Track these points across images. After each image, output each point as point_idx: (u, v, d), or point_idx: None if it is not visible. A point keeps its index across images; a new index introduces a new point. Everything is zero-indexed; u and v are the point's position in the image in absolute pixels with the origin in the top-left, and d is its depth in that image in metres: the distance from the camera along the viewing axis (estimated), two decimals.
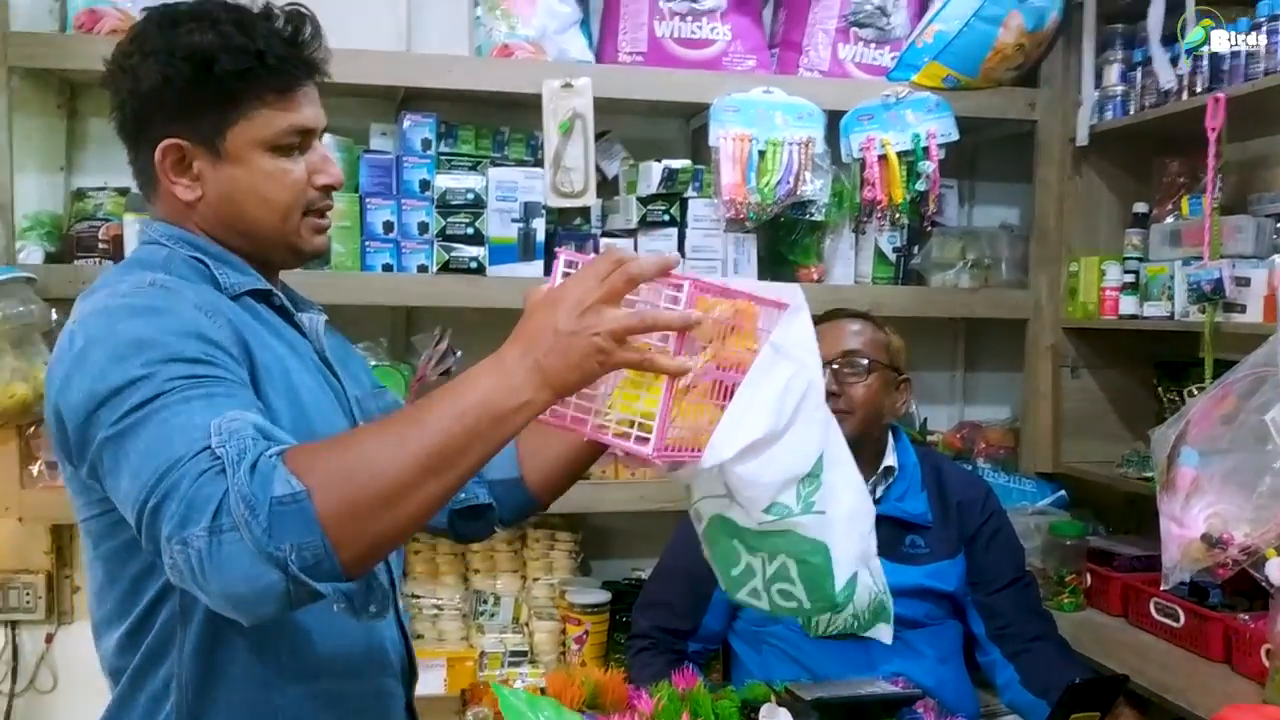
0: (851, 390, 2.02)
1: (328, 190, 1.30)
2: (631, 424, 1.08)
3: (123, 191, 2.37)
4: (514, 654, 2.50)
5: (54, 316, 2.23)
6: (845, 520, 1.28)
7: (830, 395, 1.99)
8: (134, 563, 1.18)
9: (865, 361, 2.03)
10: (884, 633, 1.37)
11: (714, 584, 1.96)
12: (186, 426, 1.01)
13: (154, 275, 1.18)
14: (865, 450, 2.05)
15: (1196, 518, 1.19)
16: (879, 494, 2.06)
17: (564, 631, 2.53)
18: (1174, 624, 2.21)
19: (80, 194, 2.37)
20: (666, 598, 2.12)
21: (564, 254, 1.14)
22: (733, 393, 1.16)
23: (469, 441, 1.01)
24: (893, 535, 2.03)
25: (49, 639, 2.55)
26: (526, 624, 2.58)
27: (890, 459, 2.08)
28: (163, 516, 0.98)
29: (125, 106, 1.24)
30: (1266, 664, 1.95)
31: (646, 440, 1.08)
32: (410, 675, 1.39)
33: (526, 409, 1.03)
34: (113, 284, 1.18)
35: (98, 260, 2.28)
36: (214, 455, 0.98)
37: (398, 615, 1.35)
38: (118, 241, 2.28)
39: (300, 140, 1.26)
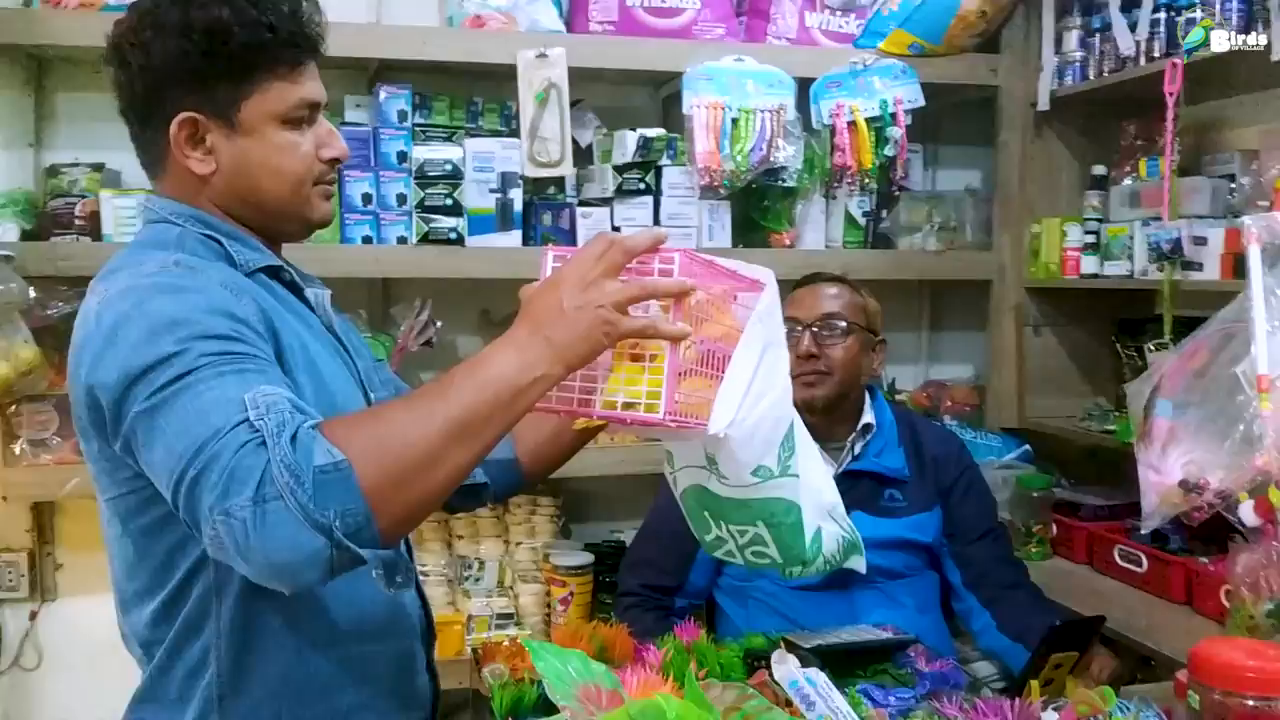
0: (831, 352, 2.07)
1: (334, 163, 1.33)
2: (636, 401, 1.13)
3: (97, 167, 2.36)
4: (500, 617, 2.55)
5: (32, 294, 2.23)
6: (811, 480, 1.35)
7: (810, 357, 2.06)
8: (167, 537, 1.21)
9: (844, 324, 2.09)
10: (859, 564, 1.44)
11: (698, 542, 2.06)
12: (222, 400, 1.04)
13: (176, 255, 1.20)
14: (844, 409, 2.12)
15: (1173, 465, 1.26)
16: (858, 450, 2.12)
17: (549, 593, 2.58)
18: (1137, 569, 2.31)
19: (53, 170, 2.35)
20: (652, 556, 2.17)
21: (552, 250, 1.19)
22: (720, 364, 1.21)
23: (490, 413, 1.06)
24: (872, 490, 2.11)
25: (33, 616, 2.56)
26: (511, 587, 2.63)
27: (868, 416, 2.15)
28: (203, 488, 1.00)
29: (135, 82, 1.23)
30: (1226, 604, 2.06)
31: (656, 408, 1.13)
32: (430, 636, 1.43)
33: (542, 382, 1.08)
34: (135, 265, 1.18)
35: (75, 237, 2.27)
36: (253, 428, 1.01)
37: (415, 578, 1.40)
38: (95, 218, 2.28)
39: (308, 114, 1.29)
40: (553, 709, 1.30)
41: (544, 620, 2.58)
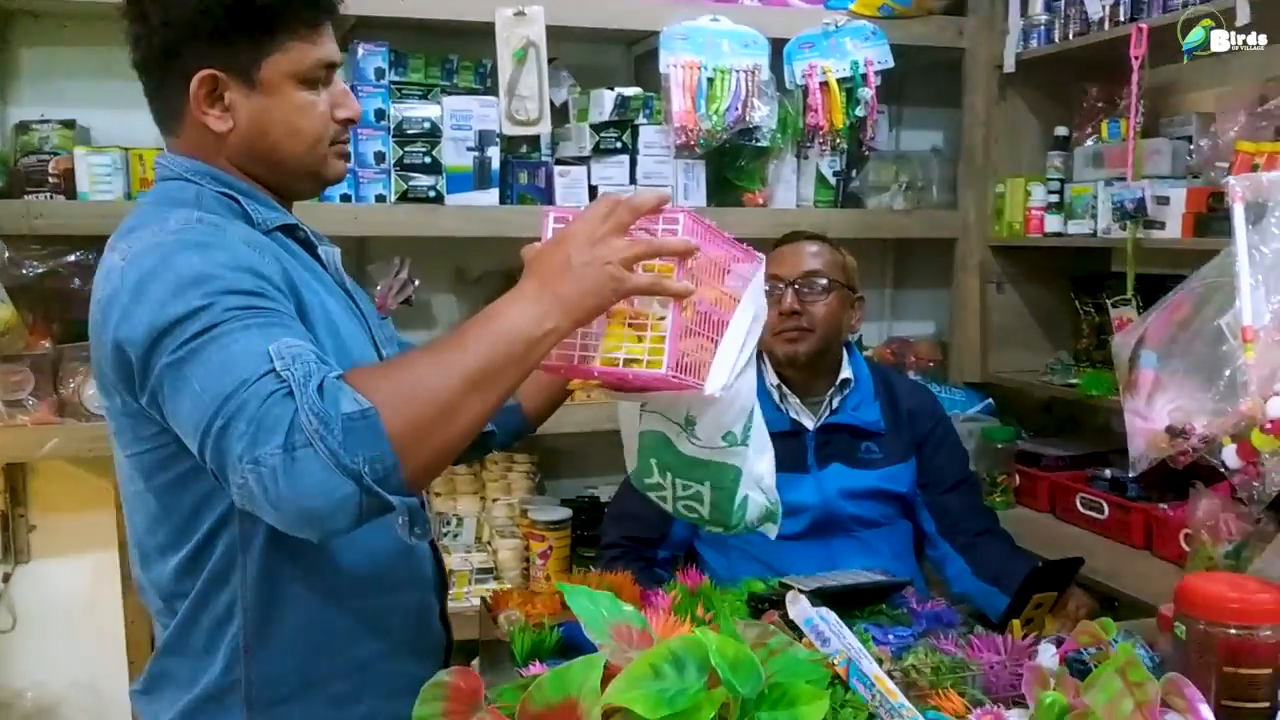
0: (813, 309, 2.12)
1: (348, 123, 1.34)
2: (638, 358, 1.18)
3: (68, 124, 2.32)
4: (480, 571, 2.59)
5: (6, 254, 2.20)
6: (759, 451, 1.41)
7: (793, 313, 2.11)
8: (192, 491, 1.22)
9: (825, 281, 2.14)
10: (770, 530, 1.49)
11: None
12: (248, 351, 1.06)
13: (198, 213, 1.21)
14: (825, 364, 2.18)
15: (1160, 412, 1.33)
16: (836, 404, 2.18)
17: (527, 548, 2.62)
18: (1099, 516, 2.42)
19: (23, 127, 2.30)
20: (635, 510, 2.21)
21: (553, 211, 1.23)
22: (715, 328, 1.26)
23: (506, 364, 1.10)
24: (849, 443, 2.17)
25: (6, 578, 2.54)
26: (489, 543, 2.67)
27: (846, 372, 2.21)
28: (231, 436, 1.02)
29: (153, 36, 1.23)
30: (1185, 547, 2.17)
31: (659, 364, 1.17)
32: (443, 588, 1.47)
33: (553, 334, 1.12)
34: (157, 221, 1.19)
35: (49, 195, 2.24)
36: (279, 378, 1.03)
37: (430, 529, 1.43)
38: (68, 175, 2.24)
39: (325, 74, 1.29)
40: (571, 652, 1.36)
41: (522, 575, 2.62)
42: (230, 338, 1.07)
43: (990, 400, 2.86)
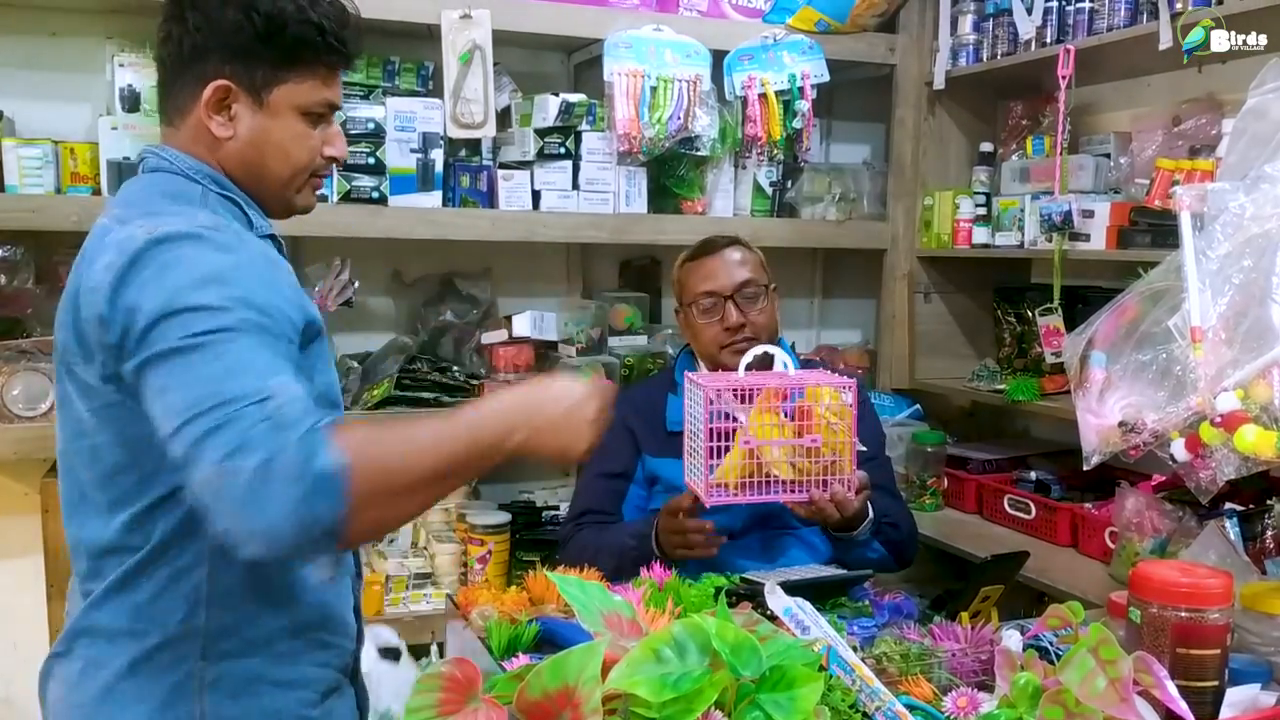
0: (756, 318, 2.13)
1: (332, 161, 1.41)
2: None
3: None
4: (418, 576, 2.57)
5: None
6: None
7: (739, 326, 2.13)
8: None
9: (759, 288, 2.16)
10: None
11: (628, 480, 2.15)
12: (253, 367, 1.12)
13: (218, 219, 1.26)
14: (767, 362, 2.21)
15: (1111, 409, 1.40)
16: None
17: (465, 553, 2.60)
18: (1026, 516, 2.51)
19: None
20: (588, 504, 2.22)
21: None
22: None
23: (475, 468, 1.23)
24: None
25: None
26: (425, 548, 2.65)
27: (778, 365, 2.24)
28: (214, 440, 1.07)
29: (185, 40, 1.30)
30: (1111, 545, 2.27)
31: None
32: (359, 578, 1.50)
33: (517, 449, 1.24)
34: (184, 212, 1.24)
35: None
36: (276, 408, 1.09)
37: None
38: None
39: (326, 112, 1.38)
40: (549, 645, 1.37)
41: (460, 579, 2.60)
42: (238, 345, 1.13)
43: (918, 406, 2.94)
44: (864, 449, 1.94)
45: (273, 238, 1.38)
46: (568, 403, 1.27)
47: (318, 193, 1.43)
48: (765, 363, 1.90)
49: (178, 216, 1.22)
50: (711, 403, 1.67)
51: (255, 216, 1.35)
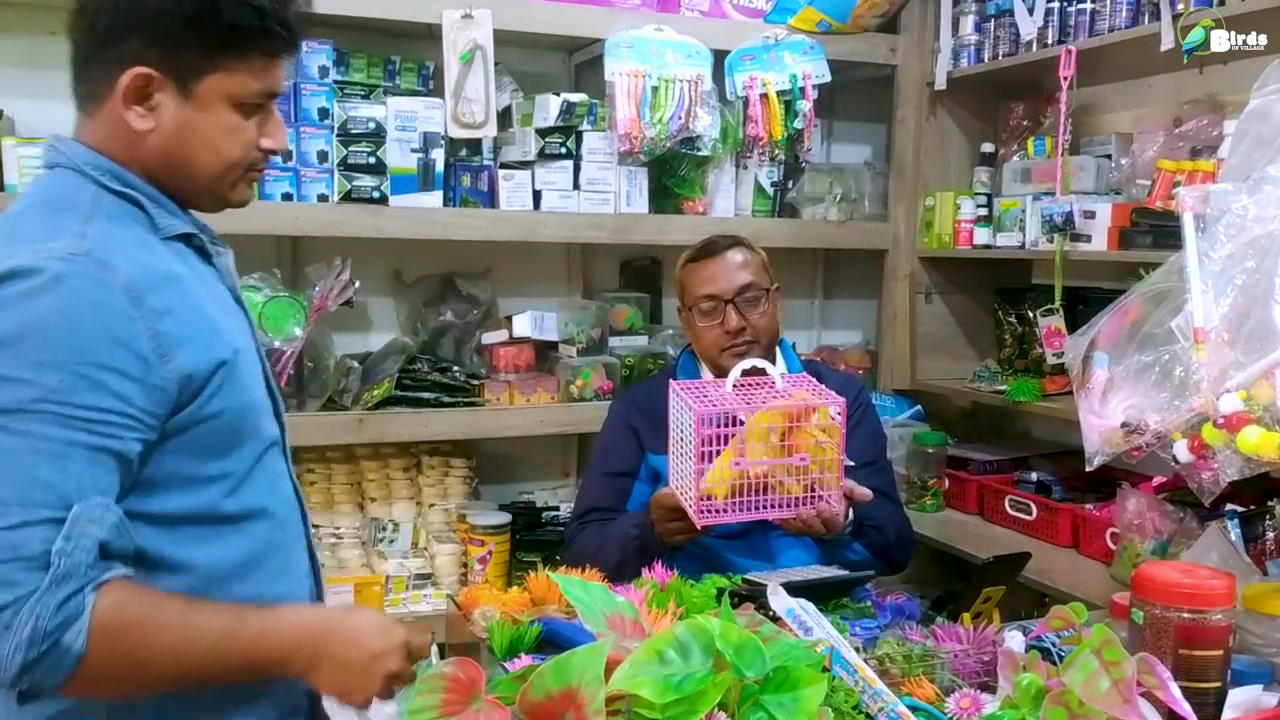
0: (757, 321, 2.12)
1: (270, 154, 1.27)
2: None
3: None
4: (418, 577, 2.57)
5: None
6: None
7: (740, 330, 2.12)
8: None
9: (760, 291, 2.15)
10: None
11: (632, 479, 2.14)
12: (33, 479, 1.03)
13: (86, 232, 1.12)
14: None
15: (1114, 410, 1.40)
16: None
17: (465, 553, 2.60)
18: (1027, 517, 2.51)
19: None
20: (593, 503, 2.21)
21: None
22: None
23: (230, 679, 1.16)
24: None
25: None
26: (425, 548, 2.64)
27: (781, 367, 2.24)
28: None
29: (100, 16, 1.15)
30: (1111, 546, 2.27)
31: None
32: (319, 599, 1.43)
33: (293, 675, 1.18)
34: (42, 237, 1.10)
35: None
36: (52, 545, 1.03)
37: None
38: None
39: (264, 101, 1.23)
40: (551, 646, 1.36)
41: (460, 580, 2.60)
42: (25, 440, 1.04)
43: (919, 407, 2.94)
44: (851, 463, 1.94)
45: (189, 237, 1.24)
46: (369, 651, 1.18)
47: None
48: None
49: (27, 242, 1.09)
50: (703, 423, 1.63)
51: (162, 216, 1.20)
